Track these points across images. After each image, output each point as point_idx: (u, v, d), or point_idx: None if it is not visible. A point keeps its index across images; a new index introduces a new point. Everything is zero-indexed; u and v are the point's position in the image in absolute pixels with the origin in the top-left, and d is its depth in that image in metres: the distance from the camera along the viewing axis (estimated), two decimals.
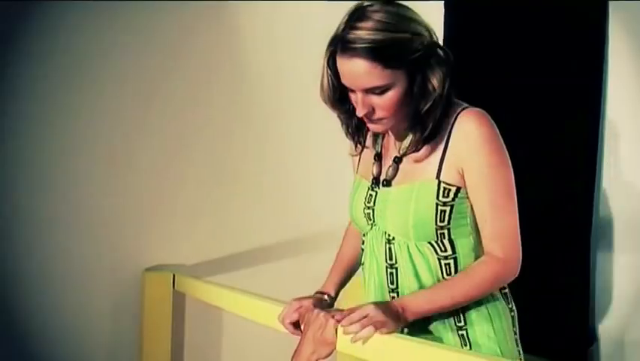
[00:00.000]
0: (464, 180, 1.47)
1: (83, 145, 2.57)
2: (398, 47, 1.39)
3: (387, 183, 1.55)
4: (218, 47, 2.78)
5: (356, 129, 1.61)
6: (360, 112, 1.46)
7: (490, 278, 1.46)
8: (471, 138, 1.44)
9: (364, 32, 1.39)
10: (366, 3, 1.44)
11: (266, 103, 2.88)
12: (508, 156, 1.47)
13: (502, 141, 1.47)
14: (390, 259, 1.55)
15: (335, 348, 1.48)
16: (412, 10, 1.46)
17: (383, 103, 1.44)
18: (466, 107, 1.49)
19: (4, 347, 2.47)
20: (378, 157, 1.61)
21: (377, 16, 1.40)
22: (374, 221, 1.57)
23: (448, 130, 1.48)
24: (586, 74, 2.18)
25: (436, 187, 1.47)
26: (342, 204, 2.84)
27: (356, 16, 1.42)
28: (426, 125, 1.46)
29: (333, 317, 1.48)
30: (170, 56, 2.69)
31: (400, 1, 1.46)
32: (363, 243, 1.65)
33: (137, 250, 2.66)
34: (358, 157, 1.67)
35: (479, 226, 1.48)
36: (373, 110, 1.45)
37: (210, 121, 2.78)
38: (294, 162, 2.93)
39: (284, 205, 2.90)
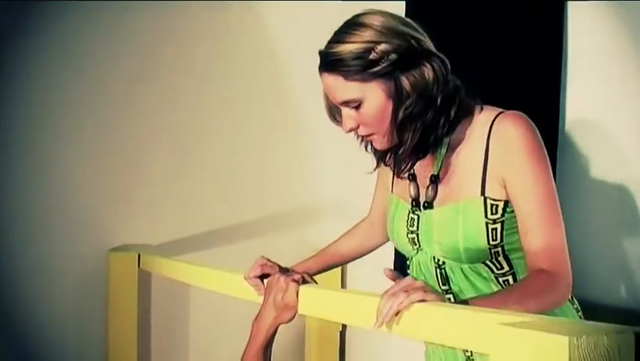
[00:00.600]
0: (507, 190, 1.36)
1: (48, 127, 2.56)
2: (357, 59, 1.33)
3: (429, 205, 1.45)
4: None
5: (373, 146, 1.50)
6: (345, 128, 1.41)
7: (541, 291, 1.26)
8: (512, 145, 1.33)
9: (334, 44, 1.36)
10: (360, 12, 1.40)
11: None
12: (549, 162, 1.35)
13: (544, 146, 1.35)
14: (444, 284, 1.44)
15: (297, 312, 1.49)
16: (398, 19, 1.38)
17: (361, 118, 1.38)
18: (502, 112, 1.38)
19: None
20: (413, 177, 1.50)
21: (347, 27, 1.37)
22: (420, 246, 1.47)
23: (486, 139, 1.37)
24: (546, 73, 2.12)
25: (483, 205, 1.36)
26: (309, 178, 2.93)
27: (339, 29, 1.39)
28: (411, 135, 1.36)
29: (293, 280, 1.49)
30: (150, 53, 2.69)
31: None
32: (408, 267, 1.55)
33: (102, 230, 2.64)
34: (392, 175, 1.55)
35: (522, 240, 1.34)
36: (359, 126, 1.41)
37: (174, 98, 2.77)
38: (263, 138, 2.93)
39: (247, 185, 2.90)
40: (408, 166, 1.42)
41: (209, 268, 2.02)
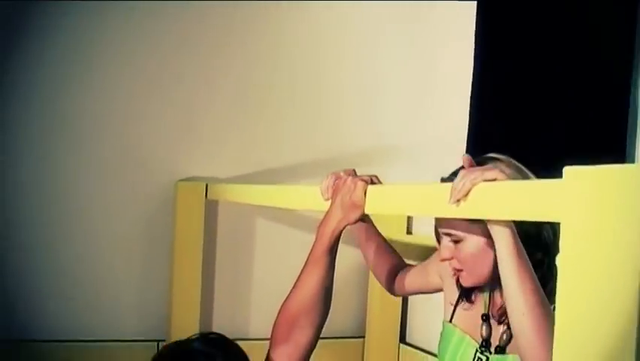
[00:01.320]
0: None
1: (118, 62, 2.64)
2: None
3: (502, 349, 1.46)
4: None
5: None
6: (439, 256, 1.47)
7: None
8: None
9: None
10: (493, 155, 1.43)
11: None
12: None
13: None
14: None
15: (363, 212, 1.50)
16: (524, 175, 1.41)
17: (459, 254, 1.43)
18: None
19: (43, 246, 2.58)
20: (487, 318, 1.52)
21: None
22: None
23: None
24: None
25: None
26: (374, 121, 2.91)
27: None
28: None
29: (362, 179, 1.50)
30: None
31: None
32: None
33: (171, 163, 2.70)
34: (456, 300, 1.59)
35: None
36: (453, 258, 1.45)
37: (242, 34, 2.79)
38: (328, 78, 2.92)
39: (317, 121, 2.90)
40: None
41: (278, 186, 2.03)
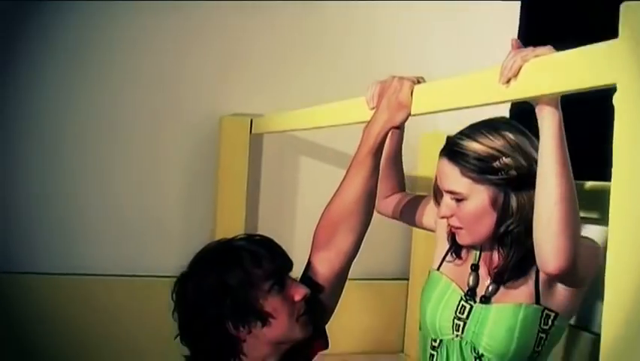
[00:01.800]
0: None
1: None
2: (480, 160, 1.41)
3: (487, 300, 1.49)
4: None
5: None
6: (439, 213, 1.50)
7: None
8: None
9: (465, 138, 1.44)
10: (497, 118, 1.49)
11: None
12: None
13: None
14: None
15: (410, 113, 1.46)
16: (529, 140, 1.43)
17: (459, 212, 1.45)
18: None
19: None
20: (475, 268, 1.54)
21: (483, 127, 1.44)
22: (462, 334, 1.50)
23: None
24: None
25: (540, 314, 1.44)
26: (431, 59, 2.85)
27: (473, 125, 1.47)
28: (515, 254, 1.44)
29: (408, 79, 1.46)
30: None
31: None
32: (433, 348, 1.57)
33: (216, 98, 2.70)
34: (445, 251, 1.61)
35: None
36: (453, 216, 1.47)
37: None
38: (379, 15, 2.87)
39: (366, 58, 2.85)
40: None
41: (321, 105, 2.01)
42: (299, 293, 1.41)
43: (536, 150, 1.36)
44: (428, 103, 1.42)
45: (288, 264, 1.46)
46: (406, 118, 1.47)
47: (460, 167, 1.43)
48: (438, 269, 1.62)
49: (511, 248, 1.44)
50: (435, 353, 1.56)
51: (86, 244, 2.64)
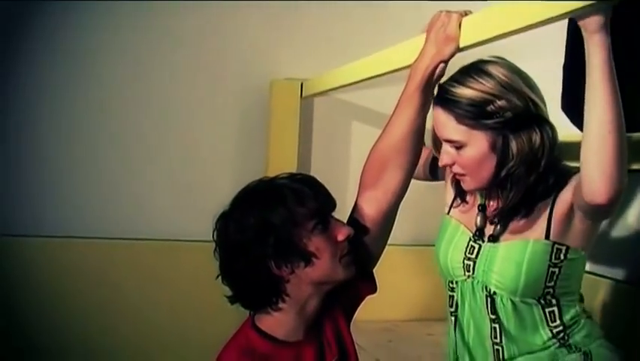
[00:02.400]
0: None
1: None
2: (474, 106, 1.39)
3: (494, 238, 1.50)
4: None
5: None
6: (440, 162, 1.49)
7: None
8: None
9: (456, 84, 1.42)
10: (487, 58, 1.45)
11: None
12: None
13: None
14: (493, 313, 1.50)
15: (458, 46, 1.41)
16: (523, 77, 1.41)
17: (460, 159, 1.44)
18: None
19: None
20: (483, 208, 1.54)
21: (473, 71, 1.42)
22: (473, 274, 1.52)
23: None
24: None
25: (550, 249, 1.43)
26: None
27: (463, 70, 1.45)
28: (514, 195, 1.43)
29: (456, 12, 1.41)
30: None
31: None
32: (451, 290, 1.59)
33: (266, 63, 2.70)
34: (453, 197, 1.62)
35: None
36: (454, 164, 1.46)
37: None
38: None
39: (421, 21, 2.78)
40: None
41: (372, 55, 1.95)
42: (342, 233, 1.38)
43: (531, 87, 1.40)
44: (477, 33, 1.36)
45: (332, 203, 1.42)
46: (455, 51, 1.42)
47: (454, 115, 1.41)
48: (448, 214, 1.62)
49: (511, 190, 1.43)
50: (453, 294, 1.58)
51: (139, 209, 2.66)
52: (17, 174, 2.57)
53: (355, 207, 1.51)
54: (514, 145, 1.40)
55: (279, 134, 2.61)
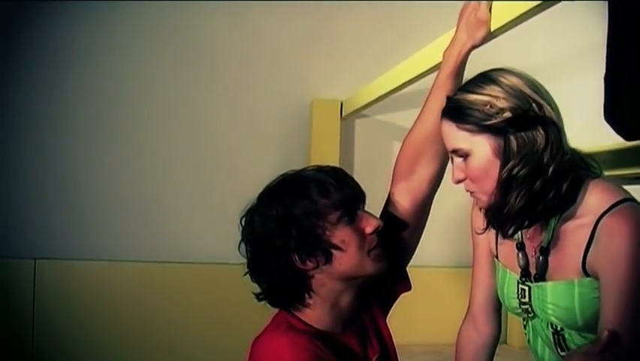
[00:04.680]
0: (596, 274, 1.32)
1: None
2: (472, 109, 1.31)
3: (540, 277, 1.41)
4: None
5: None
6: (453, 179, 1.39)
7: None
8: (615, 242, 1.26)
9: (458, 92, 1.36)
10: (496, 68, 1.37)
11: None
12: None
13: None
14: (562, 349, 1.42)
15: (489, 29, 1.37)
16: (529, 82, 1.33)
17: (468, 171, 1.35)
18: (616, 204, 1.29)
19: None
20: (521, 246, 1.46)
21: (478, 80, 1.35)
22: (534, 314, 1.45)
23: (593, 226, 1.30)
24: None
25: (595, 285, 1.33)
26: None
27: (469, 79, 1.38)
28: (516, 199, 1.32)
29: None
30: None
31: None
32: (524, 326, 1.53)
33: (307, 83, 2.70)
34: (495, 239, 1.52)
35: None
36: (466, 178, 1.37)
37: None
38: None
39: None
40: (511, 230, 1.37)
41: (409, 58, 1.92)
42: (371, 225, 1.32)
43: (536, 91, 1.31)
44: (508, 14, 1.32)
45: (360, 195, 1.36)
46: (486, 35, 1.39)
47: (455, 121, 1.34)
48: (496, 256, 1.53)
49: (513, 193, 1.31)
50: (527, 332, 1.52)
51: (177, 231, 2.66)
52: (56, 200, 2.62)
53: (389, 200, 1.45)
54: (514, 145, 1.31)
55: (319, 154, 2.58)
